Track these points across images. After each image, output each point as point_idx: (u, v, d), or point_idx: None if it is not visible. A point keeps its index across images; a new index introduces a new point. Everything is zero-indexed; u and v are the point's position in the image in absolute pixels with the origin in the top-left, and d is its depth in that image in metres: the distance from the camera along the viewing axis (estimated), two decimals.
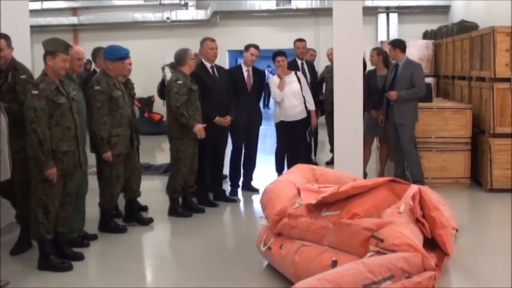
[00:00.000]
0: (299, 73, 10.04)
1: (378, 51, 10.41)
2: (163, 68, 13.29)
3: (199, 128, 8.20)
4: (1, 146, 5.50)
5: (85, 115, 7.25)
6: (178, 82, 8.22)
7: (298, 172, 7.08)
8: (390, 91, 9.56)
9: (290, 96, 9.68)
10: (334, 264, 5.31)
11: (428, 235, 5.80)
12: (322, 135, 12.84)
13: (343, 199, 5.72)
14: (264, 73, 10.65)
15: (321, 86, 12.15)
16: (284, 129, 9.87)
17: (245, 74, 9.57)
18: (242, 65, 9.68)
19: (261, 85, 9.86)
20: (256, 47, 9.59)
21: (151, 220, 8.19)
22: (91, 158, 7.76)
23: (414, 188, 6.38)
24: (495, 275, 6.09)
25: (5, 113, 5.74)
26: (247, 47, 9.63)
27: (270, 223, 6.19)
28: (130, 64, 8.50)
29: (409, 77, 9.55)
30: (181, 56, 8.47)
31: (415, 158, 9.73)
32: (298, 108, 9.76)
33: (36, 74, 6.56)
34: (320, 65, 15.68)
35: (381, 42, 15.11)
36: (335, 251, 5.49)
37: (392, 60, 9.87)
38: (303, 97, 9.81)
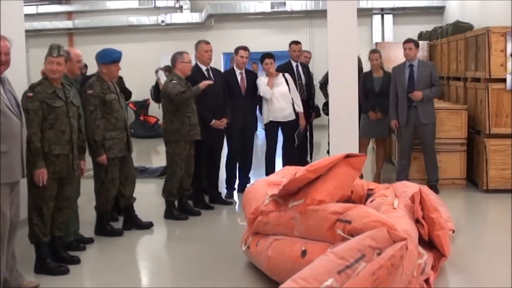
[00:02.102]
0: (287, 75, 10.02)
1: (380, 54, 10.37)
2: (156, 71, 13.31)
3: (202, 84, 8.26)
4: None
5: (82, 118, 7.25)
6: (173, 82, 8.25)
7: (281, 173, 7.16)
8: (411, 92, 9.48)
9: (278, 98, 9.69)
10: (304, 253, 5.36)
11: (425, 238, 5.81)
12: (319, 136, 12.84)
13: (306, 186, 5.75)
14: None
15: (326, 87, 12.10)
16: (273, 131, 9.88)
17: (239, 77, 9.59)
18: (235, 68, 9.69)
19: (256, 88, 9.81)
20: (245, 49, 9.60)
21: (151, 224, 8.17)
22: (88, 162, 7.76)
23: (414, 187, 6.41)
24: (492, 276, 6.10)
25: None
26: (236, 50, 9.65)
27: (247, 223, 6.30)
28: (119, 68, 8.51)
29: (428, 76, 9.56)
30: (173, 59, 8.54)
31: (436, 159, 9.76)
32: (287, 110, 9.77)
33: (32, 78, 6.57)
34: (315, 67, 15.67)
35: (376, 43, 15.11)
36: (305, 241, 5.51)
37: (409, 60, 9.74)
38: (292, 99, 9.81)
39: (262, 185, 6.68)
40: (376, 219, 5.07)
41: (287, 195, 5.93)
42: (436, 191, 9.24)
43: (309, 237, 5.52)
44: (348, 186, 6.01)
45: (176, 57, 8.48)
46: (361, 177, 9.84)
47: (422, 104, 9.51)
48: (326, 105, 11.73)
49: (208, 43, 9.10)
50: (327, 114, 11.54)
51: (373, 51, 10.48)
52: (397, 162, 10.09)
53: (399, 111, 9.69)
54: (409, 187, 6.66)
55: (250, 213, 6.23)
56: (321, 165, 5.73)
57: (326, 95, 12.10)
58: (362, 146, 10.23)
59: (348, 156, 5.86)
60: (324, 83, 12.04)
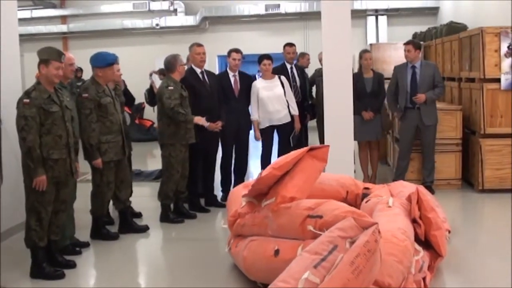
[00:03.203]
0: (283, 78, 10.02)
1: (372, 55, 10.36)
2: (150, 75, 13.30)
3: (199, 118, 8.23)
4: None
5: (77, 122, 7.24)
6: (169, 88, 8.24)
7: None
8: (415, 95, 9.47)
9: (273, 101, 9.69)
10: (276, 253, 5.39)
11: (421, 238, 5.82)
12: (314, 138, 12.85)
13: (276, 184, 5.81)
14: (255, 77, 10.64)
15: (310, 89, 12.13)
16: (269, 133, 9.87)
17: (232, 80, 9.57)
18: (228, 70, 9.67)
19: (250, 90, 9.79)
20: (237, 51, 9.61)
21: (147, 228, 8.15)
22: (85, 166, 7.77)
23: (412, 187, 6.42)
24: (488, 276, 6.10)
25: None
26: (229, 53, 9.64)
27: (228, 226, 6.36)
28: (119, 70, 8.51)
29: (431, 77, 9.55)
30: (170, 63, 8.47)
31: (434, 160, 9.77)
32: (282, 112, 9.77)
33: (26, 82, 6.57)
34: (310, 69, 15.66)
35: (371, 44, 15.12)
36: (277, 240, 5.54)
37: (410, 61, 9.72)
38: (287, 101, 9.83)
39: (242, 188, 6.80)
40: (346, 210, 5.13)
41: (260, 195, 5.98)
42: (431, 191, 9.25)
43: (281, 235, 5.56)
44: (316, 178, 6.03)
45: (175, 61, 8.46)
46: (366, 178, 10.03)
47: (425, 106, 9.51)
48: (311, 106, 11.74)
49: (200, 45, 9.10)
50: (313, 116, 11.59)
51: (365, 51, 10.46)
52: (396, 162, 10.02)
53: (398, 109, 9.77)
54: (405, 187, 6.69)
55: (230, 216, 6.33)
56: (286, 161, 5.79)
57: (311, 97, 12.11)
58: (363, 149, 10.29)
59: (311, 149, 5.94)
60: (310, 85, 12.05)
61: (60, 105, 6.35)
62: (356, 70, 10.47)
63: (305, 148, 5.94)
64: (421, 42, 13.36)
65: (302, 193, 5.68)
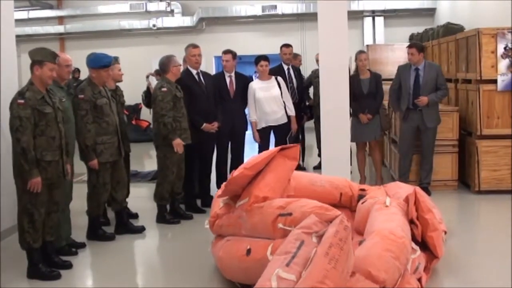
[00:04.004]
0: (280, 79, 10.04)
1: (367, 55, 10.32)
2: (147, 77, 13.29)
3: (177, 143, 8.22)
4: None
5: (73, 123, 7.25)
6: (163, 89, 8.22)
7: None
8: (417, 97, 9.44)
9: (270, 102, 9.70)
10: (248, 252, 5.48)
11: (418, 239, 5.82)
12: (311, 139, 12.85)
13: (249, 184, 5.92)
14: (252, 78, 10.64)
15: (307, 91, 12.14)
16: (265, 134, 9.88)
17: (227, 80, 9.58)
18: (225, 71, 9.67)
19: (246, 91, 9.80)
20: (227, 52, 9.62)
21: (143, 229, 8.15)
22: (81, 167, 7.76)
23: (408, 189, 6.42)
24: (485, 277, 6.10)
25: None
26: (222, 54, 9.66)
27: (209, 226, 6.45)
28: (120, 69, 8.53)
29: (433, 79, 9.52)
30: (164, 64, 8.48)
31: (433, 161, 9.76)
32: (279, 113, 9.79)
33: (23, 83, 6.54)
34: (306, 70, 15.69)
35: (367, 45, 15.12)
36: (250, 240, 5.63)
37: (413, 64, 9.66)
38: (283, 102, 9.82)
39: None
40: (314, 206, 5.23)
41: (236, 196, 6.06)
42: (428, 192, 9.25)
43: (254, 235, 5.64)
44: (288, 177, 6.17)
45: (169, 61, 8.46)
46: (364, 180, 10.01)
47: (427, 108, 9.50)
48: (309, 108, 11.75)
49: (196, 47, 9.09)
50: (310, 117, 11.58)
51: (361, 52, 10.40)
52: (398, 163, 9.99)
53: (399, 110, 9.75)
54: (401, 188, 6.69)
55: (211, 216, 6.42)
56: (257, 161, 5.91)
57: (308, 98, 12.12)
58: (360, 150, 10.27)
59: (282, 148, 6.09)
60: (307, 86, 12.05)
61: (52, 106, 6.34)
62: (353, 72, 10.43)
63: (276, 148, 6.13)
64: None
65: (274, 192, 5.79)
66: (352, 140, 10.03)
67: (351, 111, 9.91)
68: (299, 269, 4.45)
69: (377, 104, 10.01)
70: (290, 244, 4.69)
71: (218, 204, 6.44)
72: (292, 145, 6.34)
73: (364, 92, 9.97)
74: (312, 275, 4.31)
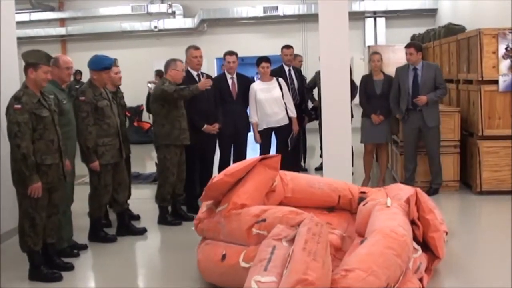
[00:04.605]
0: (281, 80, 10.02)
1: (381, 56, 10.28)
2: (149, 83, 13.34)
3: (202, 83, 8.26)
4: None
5: (75, 125, 7.25)
6: (165, 84, 8.24)
7: None
8: (416, 96, 9.43)
9: (271, 103, 9.69)
10: (223, 257, 5.62)
11: (419, 239, 5.82)
12: (313, 140, 12.84)
13: (229, 191, 6.07)
14: (254, 80, 10.63)
15: (311, 92, 12.13)
16: (267, 135, 9.87)
17: (230, 82, 9.56)
18: (226, 73, 9.65)
19: (248, 92, 9.77)
20: (231, 53, 9.60)
21: (144, 230, 8.16)
22: (83, 168, 7.77)
23: (409, 190, 6.42)
24: (486, 278, 6.09)
25: None
26: (224, 56, 9.66)
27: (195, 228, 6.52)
28: (119, 72, 8.53)
29: (432, 79, 9.51)
30: (166, 65, 8.57)
31: (440, 161, 9.75)
32: (280, 115, 9.78)
33: None
34: (308, 71, 15.69)
35: (369, 46, 15.12)
36: (226, 245, 5.78)
37: (412, 64, 9.65)
38: (285, 103, 9.83)
39: None
40: (286, 211, 5.39)
41: (219, 201, 6.20)
42: (436, 193, 9.41)
43: (231, 241, 5.76)
44: (268, 186, 6.32)
45: (170, 63, 8.49)
46: (368, 180, 10.01)
47: (427, 108, 9.48)
48: (314, 109, 11.75)
49: (197, 48, 9.10)
50: (315, 118, 11.57)
51: (374, 53, 10.35)
52: (404, 165, 9.96)
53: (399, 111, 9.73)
54: (402, 190, 6.68)
55: (194, 220, 6.50)
56: (238, 169, 6.09)
57: (312, 99, 12.11)
58: (369, 153, 10.26)
59: (263, 158, 6.26)
60: (311, 88, 12.04)
61: (49, 109, 6.32)
62: (356, 72, 10.42)
63: (258, 157, 6.30)
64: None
65: (252, 200, 5.92)
66: (361, 141, 10.04)
67: (363, 112, 9.98)
68: (278, 270, 4.54)
69: (389, 106, 9.94)
70: (263, 252, 4.79)
71: (202, 208, 6.57)
72: (273, 155, 6.49)
73: (377, 92, 9.95)
74: (295, 269, 4.36)
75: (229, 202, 5.91)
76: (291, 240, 4.81)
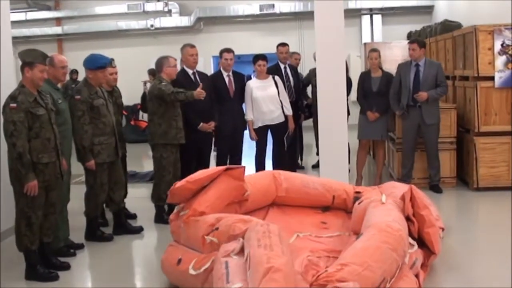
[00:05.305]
0: (277, 78, 10.01)
1: (379, 53, 10.26)
2: (145, 83, 13.33)
3: (197, 93, 8.21)
4: None
5: (70, 124, 7.24)
6: (163, 83, 8.24)
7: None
8: (417, 92, 9.42)
9: (267, 101, 9.68)
10: (179, 261, 5.74)
11: (415, 235, 5.82)
12: (310, 138, 12.84)
13: (192, 198, 6.19)
14: (250, 76, 10.61)
15: (305, 90, 12.11)
16: (263, 133, 9.85)
17: (226, 80, 9.52)
18: (222, 71, 9.61)
19: (243, 90, 9.77)
20: (228, 51, 9.58)
21: (141, 229, 8.16)
22: (79, 168, 7.76)
23: (403, 188, 6.43)
24: (484, 274, 6.10)
25: None
26: (221, 53, 9.61)
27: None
28: (115, 73, 8.52)
29: (434, 76, 9.50)
30: (158, 64, 8.55)
31: (439, 158, 9.75)
32: (276, 112, 9.76)
33: None
34: (305, 68, 15.68)
35: (365, 44, 15.12)
36: (185, 250, 5.93)
37: (415, 60, 9.64)
38: (280, 101, 9.82)
39: None
40: (236, 219, 5.47)
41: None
42: (439, 190, 9.50)
43: (189, 246, 5.90)
44: (231, 196, 6.38)
45: (163, 62, 8.49)
46: (361, 179, 10.01)
47: (426, 105, 9.49)
48: (307, 107, 11.74)
49: (193, 46, 9.08)
50: (309, 116, 11.57)
51: (373, 50, 10.28)
52: (401, 161, 9.95)
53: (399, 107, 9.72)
54: (396, 188, 6.70)
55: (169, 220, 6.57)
56: (201, 177, 6.21)
57: (306, 97, 12.10)
58: (362, 148, 10.24)
59: (228, 168, 6.37)
60: (305, 85, 12.03)
61: (45, 108, 6.32)
62: (352, 69, 10.41)
63: (222, 167, 6.39)
64: None
65: (212, 209, 6.02)
66: (358, 137, 10.04)
67: (360, 109, 10.02)
68: (240, 277, 4.55)
69: (386, 103, 9.93)
70: (218, 271, 4.79)
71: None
72: (238, 166, 6.67)
73: (374, 90, 9.93)
74: (258, 264, 4.38)
75: (190, 208, 6.03)
76: (240, 252, 4.90)
